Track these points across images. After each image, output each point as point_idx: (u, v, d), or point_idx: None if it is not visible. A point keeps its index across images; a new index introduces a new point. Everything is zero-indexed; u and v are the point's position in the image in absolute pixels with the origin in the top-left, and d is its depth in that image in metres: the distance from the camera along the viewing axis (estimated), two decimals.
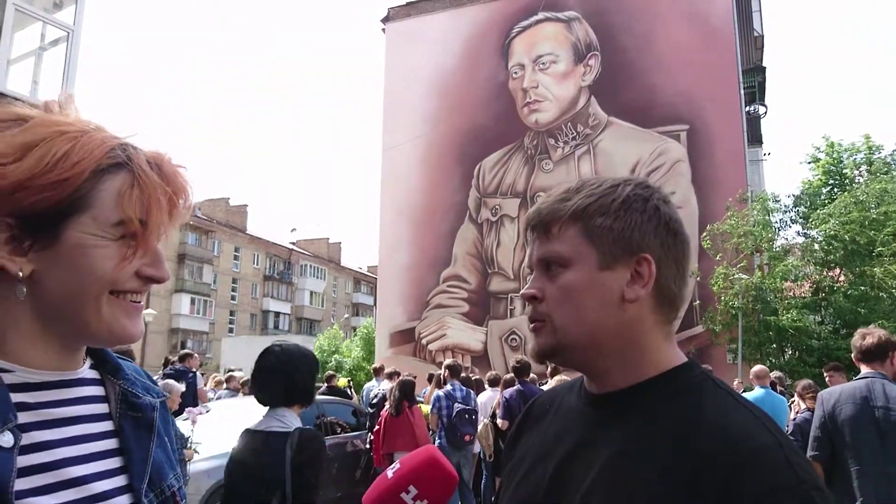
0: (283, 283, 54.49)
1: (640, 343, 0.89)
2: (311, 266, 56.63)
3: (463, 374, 8.74)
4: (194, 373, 8.64)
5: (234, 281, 50.65)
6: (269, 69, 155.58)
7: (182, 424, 5.59)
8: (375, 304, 26.03)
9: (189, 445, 5.48)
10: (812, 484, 0.74)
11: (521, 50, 22.46)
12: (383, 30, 25.63)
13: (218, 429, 6.69)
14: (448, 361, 7.81)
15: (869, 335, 3.23)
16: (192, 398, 7.93)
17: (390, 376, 9.21)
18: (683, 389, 0.86)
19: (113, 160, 0.83)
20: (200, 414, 5.55)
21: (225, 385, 10.47)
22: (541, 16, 22.44)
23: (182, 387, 6.15)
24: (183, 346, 39.39)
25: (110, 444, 0.88)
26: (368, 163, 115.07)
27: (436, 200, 22.43)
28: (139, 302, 0.87)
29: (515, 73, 22.36)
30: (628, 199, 0.90)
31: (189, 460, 5.46)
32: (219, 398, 9.91)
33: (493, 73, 22.64)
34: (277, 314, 53.35)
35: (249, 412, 7.97)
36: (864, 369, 3.22)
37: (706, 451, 0.76)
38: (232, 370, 11.43)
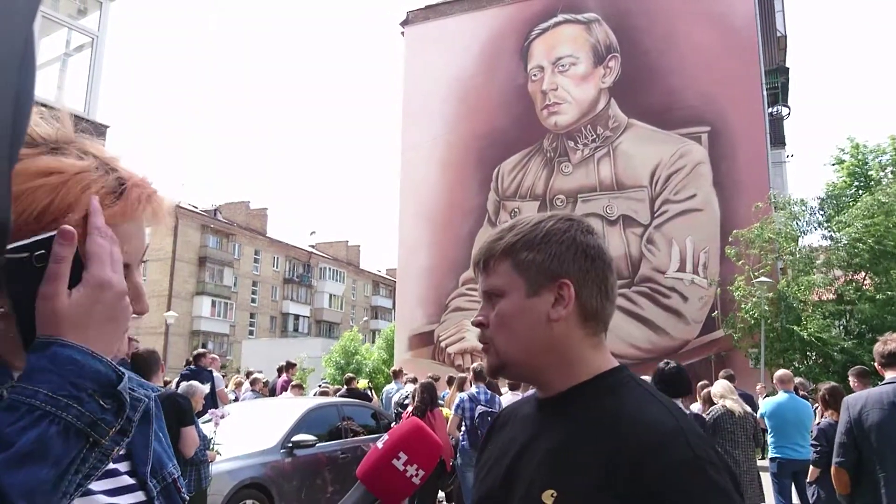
0: (303, 285, 54.81)
1: (570, 354, 1.04)
2: (330, 269, 56.89)
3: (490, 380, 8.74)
4: (210, 371, 8.71)
5: (255, 284, 51.04)
6: (290, 73, 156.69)
7: (205, 426, 5.65)
8: (394, 306, 26.08)
9: (211, 447, 5.54)
10: (707, 459, 0.88)
11: (541, 52, 22.41)
12: (402, 33, 25.72)
13: (239, 431, 6.78)
14: (475, 365, 7.80)
15: (891, 341, 3.20)
16: (212, 399, 8.00)
17: (413, 381, 9.24)
18: (609, 389, 1.01)
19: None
20: (223, 417, 5.59)
21: (249, 387, 10.55)
22: (560, 18, 22.38)
23: (206, 388, 6.20)
24: (203, 349, 39.75)
25: None
26: (388, 166, 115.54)
27: (455, 203, 22.44)
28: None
29: (535, 75, 22.31)
30: (549, 233, 1.05)
31: (212, 461, 5.51)
32: (243, 399, 9.99)
33: (512, 76, 22.61)
34: (297, 317, 53.65)
35: (270, 414, 8.05)
36: (889, 375, 3.18)
37: (622, 436, 0.91)
38: (252, 372, 11.53)
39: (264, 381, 10.89)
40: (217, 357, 10.16)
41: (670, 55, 20.38)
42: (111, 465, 0.87)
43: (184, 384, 5.83)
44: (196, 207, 48.18)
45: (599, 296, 1.04)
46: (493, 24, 23.38)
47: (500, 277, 1.06)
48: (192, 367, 8.72)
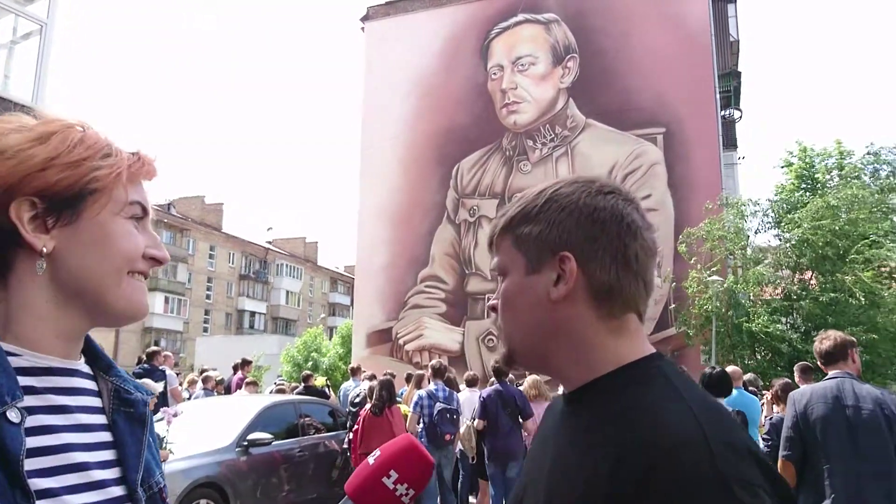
0: (259, 282, 54.12)
1: (582, 341, 0.89)
2: (287, 265, 56.31)
3: (449, 375, 8.76)
4: (163, 371, 8.54)
5: (210, 280, 50.21)
6: (247, 66, 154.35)
7: (157, 425, 5.54)
8: (352, 304, 25.95)
9: (164, 446, 5.44)
10: (734, 475, 0.71)
11: (501, 51, 22.54)
12: (362, 29, 25.57)
13: (193, 429, 6.67)
14: (433, 362, 7.83)
15: (826, 339, 3.33)
16: (163, 398, 7.85)
17: (370, 378, 9.20)
18: (628, 385, 0.85)
19: (112, 152, 0.92)
20: (176, 415, 5.49)
21: (201, 385, 10.37)
22: (520, 17, 22.54)
23: (160, 386, 6.08)
24: (157, 346, 38.94)
25: (105, 436, 0.91)
26: (347, 162, 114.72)
27: (414, 200, 22.43)
28: (143, 283, 0.94)
29: (494, 74, 22.43)
30: (549, 201, 0.92)
31: (164, 460, 5.40)
32: (196, 398, 9.82)
33: (473, 74, 22.69)
34: (253, 314, 52.97)
35: (226, 412, 7.94)
36: (832, 371, 3.30)
37: (627, 444, 0.76)
38: (206, 370, 11.33)
39: (218, 378, 10.71)
40: (170, 355, 9.95)
41: (627, 57, 20.70)
42: (99, 475, 0.86)
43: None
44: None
45: (615, 267, 0.87)
46: (453, 22, 23.42)
47: (502, 255, 0.96)
48: (145, 365, 8.53)
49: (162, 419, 5.74)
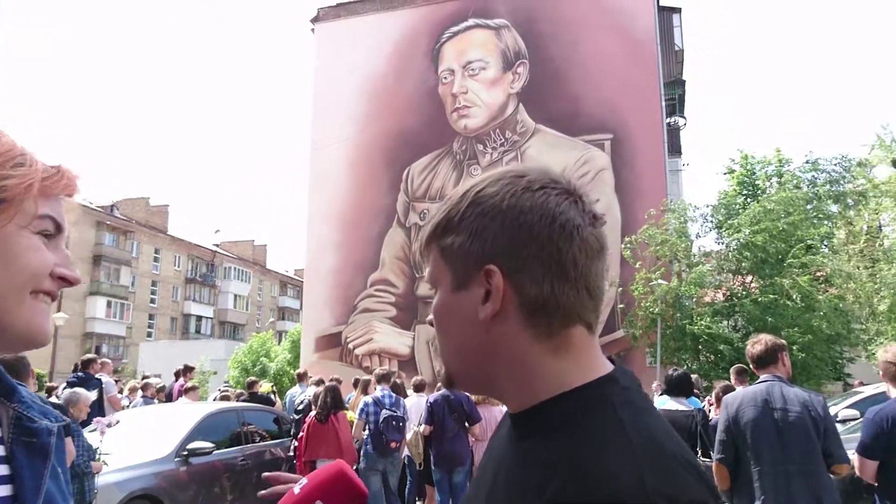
0: (206, 285, 53.03)
1: (520, 363, 0.78)
2: (235, 268, 55.33)
3: (395, 379, 8.70)
4: (99, 380, 8.26)
5: (154, 283, 48.97)
6: (194, 65, 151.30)
7: (90, 436, 5.36)
8: (302, 307, 25.64)
9: (97, 457, 5.25)
10: None
11: (451, 55, 22.62)
12: (313, 30, 25.33)
13: (129, 439, 6.47)
14: (379, 370, 7.75)
15: (757, 342, 3.42)
16: (99, 407, 7.59)
17: (318, 384, 9.06)
18: (568, 420, 0.74)
19: (25, 162, 0.86)
20: (110, 425, 5.31)
21: (140, 392, 10.07)
22: (471, 22, 22.67)
23: (92, 395, 5.88)
24: (97, 352, 37.73)
25: (2, 470, 0.84)
26: (296, 164, 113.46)
27: (364, 203, 22.31)
28: (49, 305, 0.87)
29: (445, 78, 22.49)
30: (471, 205, 0.80)
31: (98, 472, 5.22)
32: (134, 406, 9.53)
33: (423, 78, 22.71)
34: (199, 318, 51.86)
35: (165, 420, 7.73)
36: (762, 375, 3.39)
37: (562, 496, 0.66)
38: (148, 376, 11.02)
39: (159, 386, 10.42)
40: (109, 361, 9.62)
41: (576, 64, 21.02)
42: None
43: (66, 392, 5.51)
44: (91, 203, 45.74)
45: (549, 279, 0.76)
46: (404, 25, 23.40)
47: (431, 267, 0.85)
48: (80, 373, 8.23)
49: (95, 430, 5.55)
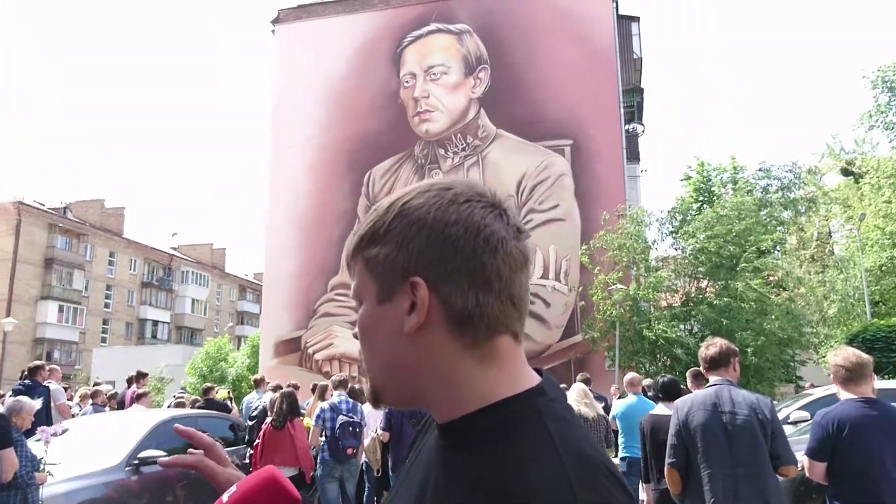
0: (163, 289, 52.00)
1: (446, 375, 0.78)
2: (193, 272, 54.37)
3: (353, 385, 8.62)
4: (46, 387, 8.00)
5: (109, 287, 47.83)
6: (152, 65, 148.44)
7: (34, 445, 5.18)
8: (261, 312, 25.31)
9: (42, 468, 5.07)
10: None
11: (413, 59, 22.63)
12: (273, 31, 25.08)
13: (78, 448, 6.27)
14: (336, 376, 7.67)
15: (712, 345, 3.48)
16: (46, 416, 7.35)
17: (275, 389, 8.93)
18: (496, 432, 0.74)
19: None
20: (55, 434, 5.13)
21: (91, 400, 9.79)
22: (433, 27, 22.72)
23: (37, 404, 5.68)
24: (49, 358, 36.73)
25: None
26: (256, 166, 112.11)
27: (325, 207, 22.14)
28: None
29: (407, 82, 22.49)
30: (397, 217, 0.80)
31: (42, 483, 5.04)
32: (83, 414, 9.26)
33: (385, 81, 22.66)
34: (156, 322, 50.83)
35: (116, 428, 7.52)
36: (713, 378, 3.45)
37: None
38: (99, 383, 10.72)
39: (111, 393, 10.14)
40: (57, 368, 9.33)
41: (537, 70, 21.21)
42: None
43: (9, 400, 5.32)
44: (42, 205, 44.50)
45: (474, 290, 0.76)
46: (366, 28, 23.33)
47: (356, 280, 0.84)
48: (27, 381, 7.96)
49: (40, 440, 5.37)
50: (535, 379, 0.81)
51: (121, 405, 10.26)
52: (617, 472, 0.74)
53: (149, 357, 30.70)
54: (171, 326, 52.18)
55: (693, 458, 3.22)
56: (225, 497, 0.93)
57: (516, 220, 0.82)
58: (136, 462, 6.59)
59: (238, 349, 35.32)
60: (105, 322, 47.37)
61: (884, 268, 20.57)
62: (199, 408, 9.80)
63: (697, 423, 3.23)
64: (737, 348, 3.62)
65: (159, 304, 51.53)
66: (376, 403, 0.87)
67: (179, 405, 10.37)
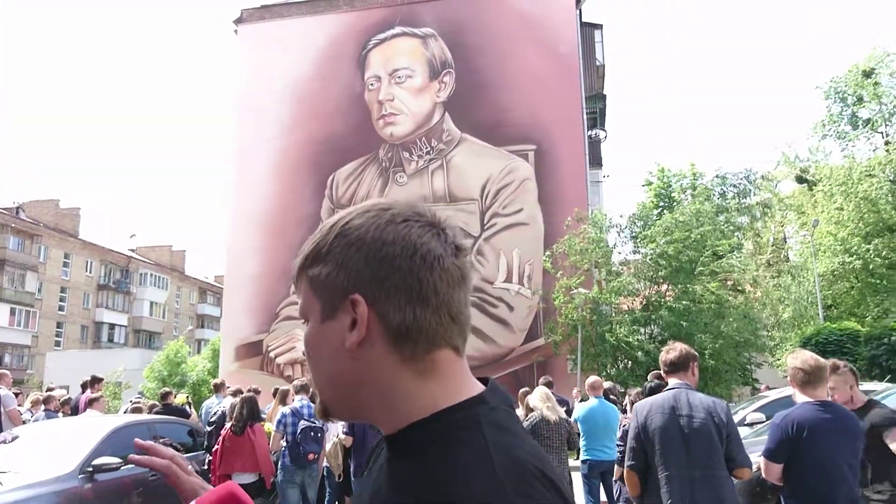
0: (120, 292, 50.88)
1: (388, 388, 0.81)
2: (151, 274, 53.32)
3: (313, 390, 8.52)
4: None
5: (63, 290, 46.61)
6: (109, 61, 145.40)
7: None
8: (222, 315, 24.96)
9: None
10: None
11: (378, 62, 22.58)
12: (236, 31, 24.78)
13: (29, 455, 6.10)
14: (297, 381, 7.59)
15: (672, 349, 3.55)
16: None
17: (234, 394, 8.78)
18: (434, 442, 0.77)
19: None
20: (5, 442, 4.98)
21: (43, 406, 9.51)
22: (398, 30, 22.70)
23: None
24: None
25: None
26: (218, 167, 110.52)
27: (288, 209, 21.94)
28: None
29: (371, 84, 22.42)
30: (338, 236, 0.84)
31: None
32: (35, 420, 9.00)
33: (350, 84, 22.57)
34: (112, 326, 49.68)
35: (69, 435, 7.33)
36: (672, 381, 3.52)
37: None
38: (52, 388, 10.42)
39: (64, 398, 9.87)
40: (7, 373, 9.03)
41: (502, 75, 21.34)
42: None
43: None
44: None
45: (411, 306, 0.79)
46: (330, 30, 23.21)
47: (301, 299, 0.87)
48: None
49: None
50: (476, 389, 0.83)
51: (74, 411, 10.00)
52: (555, 477, 0.77)
53: (105, 361, 30.04)
54: (128, 330, 51.09)
55: (651, 461, 3.27)
56: None
57: (455, 239, 0.85)
58: (91, 469, 6.42)
59: (198, 353, 34.77)
60: (59, 325, 46.17)
61: (835, 273, 21.16)
62: (157, 413, 9.60)
63: (656, 426, 3.28)
64: (696, 353, 3.69)
65: (116, 307, 50.41)
66: (326, 417, 0.88)
67: (136, 410, 10.16)
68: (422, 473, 0.74)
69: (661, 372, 3.60)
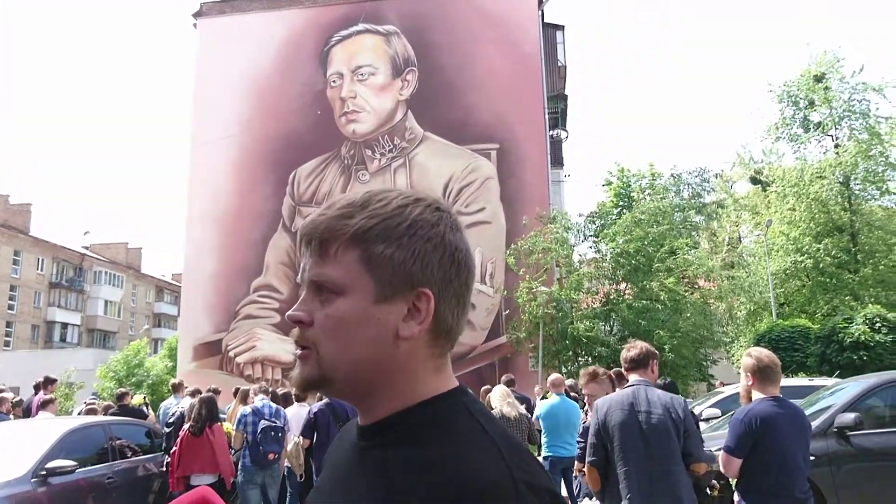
0: (73, 291, 49.56)
1: (409, 377, 0.84)
2: (106, 272, 52.05)
3: (272, 390, 8.46)
4: None
5: (13, 288, 45.20)
6: (63, 52, 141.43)
7: None
8: (179, 314, 24.52)
9: None
10: None
11: (340, 59, 22.42)
12: (195, 24, 24.34)
13: None
14: (255, 386, 7.54)
15: (633, 347, 3.65)
16: None
17: (193, 394, 8.64)
18: (431, 421, 0.81)
19: None
20: None
21: None
22: (360, 27, 22.57)
23: None
24: None
25: None
26: (175, 164, 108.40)
27: (247, 206, 21.66)
28: None
29: (334, 81, 22.26)
30: (414, 225, 0.83)
31: None
32: None
33: (311, 80, 22.37)
34: (65, 325, 48.38)
35: (20, 438, 7.14)
36: (632, 377, 3.61)
37: (442, 491, 0.72)
38: (2, 390, 10.10)
39: (15, 400, 9.60)
40: None
41: (465, 74, 21.39)
42: None
43: None
44: None
45: (457, 310, 0.86)
46: (291, 26, 22.97)
47: (341, 269, 0.83)
48: None
49: None
50: (455, 381, 0.89)
51: (26, 413, 9.74)
52: (535, 456, 0.85)
53: (57, 361, 29.28)
54: (81, 329, 49.81)
55: (611, 457, 3.34)
56: None
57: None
58: (44, 473, 6.27)
59: (155, 352, 34.09)
60: (9, 325, 44.78)
61: (787, 272, 21.75)
62: (113, 414, 9.40)
63: (615, 422, 3.36)
64: (656, 351, 3.77)
65: (69, 305, 49.10)
66: (311, 389, 0.87)
67: (91, 412, 9.93)
68: (422, 457, 0.77)
69: (622, 369, 3.68)
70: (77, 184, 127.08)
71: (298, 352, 0.86)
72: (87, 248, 53.46)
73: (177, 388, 10.75)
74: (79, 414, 10.46)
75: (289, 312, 0.87)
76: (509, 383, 8.86)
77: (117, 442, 7.53)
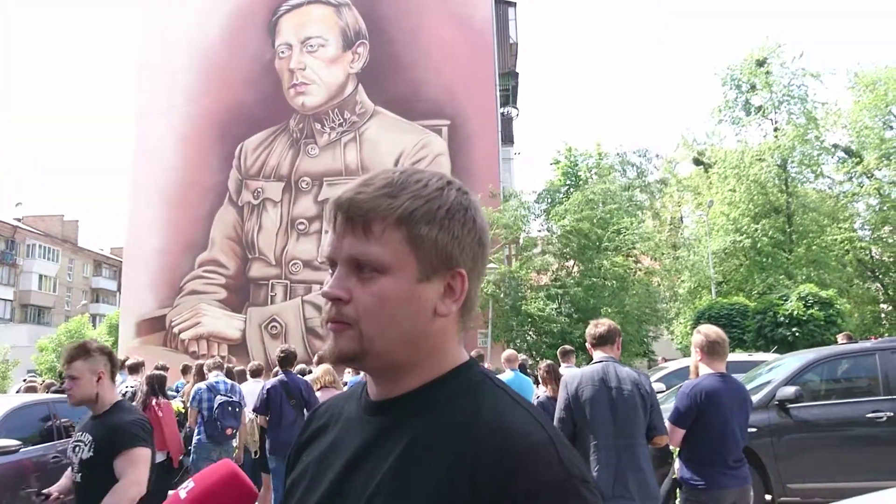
0: (5, 264, 47.56)
1: (440, 349, 0.90)
2: (40, 246, 50.06)
3: (228, 366, 8.35)
4: None
5: None
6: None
7: None
8: (120, 289, 23.85)
9: None
10: (580, 477, 0.78)
11: (289, 29, 21.91)
12: None
13: None
14: (209, 361, 7.41)
15: (600, 324, 3.78)
16: None
17: (133, 369, 8.36)
18: (463, 390, 0.87)
19: None
20: None
21: None
22: None
23: None
24: None
25: None
26: (117, 134, 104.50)
27: (193, 179, 21.11)
28: None
29: (282, 52, 21.76)
30: (452, 208, 0.88)
31: None
32: None
33: (260, 51, 21.81)
34: None
35: None
36: (598, 354, 3.73)
37: (482, 452, 0.78)
38: None
39: None
40: None
41: (416, 48, 21.19)
42: None
43: None
44: None
45: (478, 287, 0.93)
46: None
47: (386, 249, 0.85)
48: None
49: None
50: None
51: None
52: None
53: None
54: (14, 304, 47.92)
55: (581, 431, 3.44)
56: (182, 493, 0.91)
57: None
58: None
59: (94, 328, 33.11)
60: None
61: (727, 251, 22.47)
62: (55, 392, 9.13)
63: (586, 396, 3.46)
64: (620, 328, 3.91)
65: (1, 280, 47.16)
66: (345, 362, 0.90)
67: (31, 390, 9.64)
68: (460, 422, 0.83)
69: (588, 344, 3.78)
70: (8, 153, 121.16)
71: (331, 326, 0.87)
72: (19, 220, 51.27)
73: (134, 370, 10.43)
74: (17, 392, 10.12)
75: (325, 289, 0.88)
76: (479, 359, 8.93)
77: (61, 420, 7.33)
